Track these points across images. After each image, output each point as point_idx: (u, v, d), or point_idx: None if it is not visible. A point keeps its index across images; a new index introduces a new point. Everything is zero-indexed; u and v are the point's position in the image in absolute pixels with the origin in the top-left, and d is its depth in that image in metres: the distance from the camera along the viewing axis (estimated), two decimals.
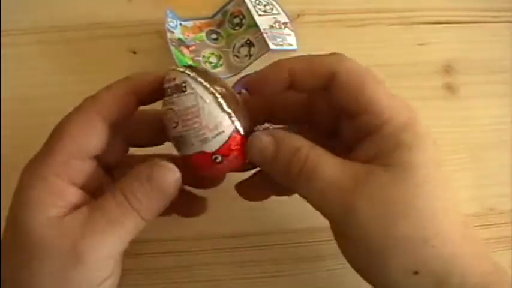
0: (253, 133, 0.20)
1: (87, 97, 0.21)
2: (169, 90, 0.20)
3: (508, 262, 0.32)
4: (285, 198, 0.32)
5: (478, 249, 0.20)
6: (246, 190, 0.25)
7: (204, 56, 0.35)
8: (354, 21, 0.37)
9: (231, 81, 0.33)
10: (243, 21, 0.36)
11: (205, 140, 0.20)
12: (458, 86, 0.36)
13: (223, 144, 0.20)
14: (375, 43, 0.36)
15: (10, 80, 0.34)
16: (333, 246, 0.31)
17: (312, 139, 0.21)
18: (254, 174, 0.25)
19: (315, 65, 0.21)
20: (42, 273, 0.18)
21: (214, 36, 0.36)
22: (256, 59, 0.34)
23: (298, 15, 0.37)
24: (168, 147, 0.24)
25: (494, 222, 0.32)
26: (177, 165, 0.20)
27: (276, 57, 0.35)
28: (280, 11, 0.37)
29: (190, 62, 0.34)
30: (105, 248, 0.19)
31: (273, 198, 0.32)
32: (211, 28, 0.36)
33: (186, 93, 0.20)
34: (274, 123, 0.26)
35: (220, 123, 0.20)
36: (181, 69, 0.20)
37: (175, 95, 0.20)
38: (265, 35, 0.34)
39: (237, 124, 0.20)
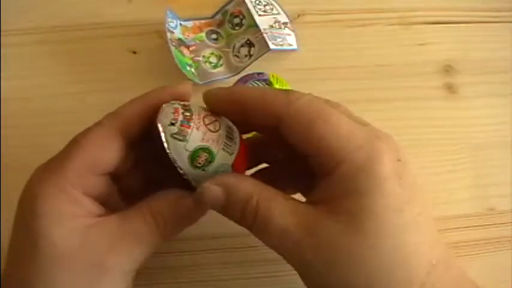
0: (202, 185, 0.20)
1: (108, 113, 0.21)
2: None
3: (508, 262, 0.32)
4: None
5: None
6: None
7: (204, 56, 0.35)
8: (354, 21, 0.37)
9: (231, 81, 0.33)
10: (243, 21, 0.36)
11: None
12: (458, 86, 0.36)
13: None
14: (375, 43, 0.36)
15: (10, 80, 0.34)
16: None
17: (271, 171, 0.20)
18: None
19: (265, 103, 0.20)
20: (63, 284, 0.18)
21: (214, 36, 0.36)
22: (256, 59, 0.34)
23: (298, 15, 0.37)
24: None
25: (494, 222, 0.32)
26: None
27: (276, 57, 0.35)
28: (280, 11, 0.37)
29: (190, 62, 0.34)
30: (132, 262, 0.20)
31: None
32: (211, 28, 0.36)
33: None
34: None
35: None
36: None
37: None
38: (265, 35, 0.34)
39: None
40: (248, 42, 0.35)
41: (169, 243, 0.30)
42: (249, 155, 0.22)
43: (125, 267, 0.19)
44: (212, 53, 0.35)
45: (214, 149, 0.20)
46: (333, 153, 0.19)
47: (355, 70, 0.35)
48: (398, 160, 0.19)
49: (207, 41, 0.36)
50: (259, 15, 0.35)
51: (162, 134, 0.19)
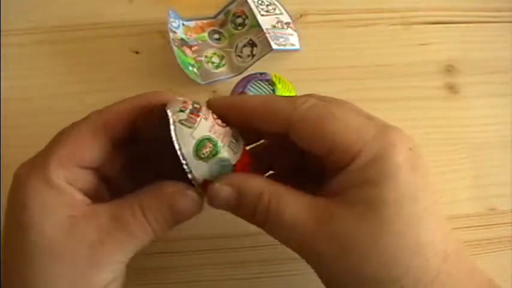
0: (212, 186, 0.20)
1: (95, 110, 0.22)
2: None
3: (509, 262, 0.32)
4: None
5: (470, 280, 0.19)
6: None
7: (206, 56, 0.35)
8: (356, 21, 0.37)
9: (233, 81, 0.33)
10: (246, 21, 0.35)
11: None
12: (459, 86, 0.36)
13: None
14: (376, 43, 0.36)
15: (10, 80, 0.34)
16: None
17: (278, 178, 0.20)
18: None
19: (270, 112, 0.20)
20: (53, 275, 0.18)
21: (216, 36, 0.36)
22: (259, 59, 0.34)
23: (301, 15, 0.37)
24: None
25: (494, 222, 0.32)
26: None
27: (278, 57, 0.35)
28: (283, 11, 0.37)
29: (192, 62, 0.34)
30: (120, 255, 0.20)
31: None
32: (214, 28, 0.36)
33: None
34: None
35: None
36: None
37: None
38: (267, 35, 0.34)
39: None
40: (251, 42, 0.35)
41: (165, 244, 0.30)
42: (252, 161, 0.22)
43: (114, 259, 0.19)
44: (214, 53, 0.35)
45: (221, 142, 0.20)
46: (347, 148, 0.19)
47: (356, 70, 0.36)
48: (410, 149, 0.19)
49: (210, 41, 0.36)
50: (262, 15, 0.35)
51: (171, 120, 0.19)
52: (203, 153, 0.20)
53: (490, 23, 0.38)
